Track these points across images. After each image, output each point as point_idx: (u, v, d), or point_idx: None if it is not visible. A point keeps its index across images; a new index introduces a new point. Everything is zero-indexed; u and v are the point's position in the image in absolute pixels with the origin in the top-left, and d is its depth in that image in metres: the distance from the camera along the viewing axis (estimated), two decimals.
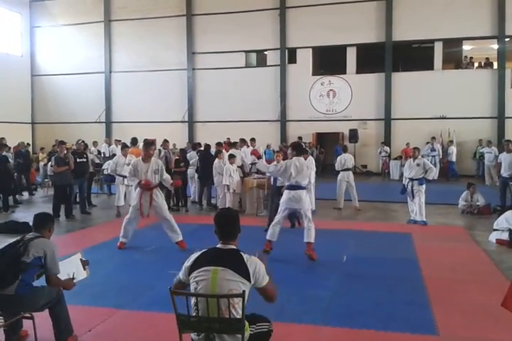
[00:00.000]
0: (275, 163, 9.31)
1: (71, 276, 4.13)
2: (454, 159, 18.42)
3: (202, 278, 2.98)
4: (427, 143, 18.56)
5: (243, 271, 2.98)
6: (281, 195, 8.86)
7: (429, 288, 5.61)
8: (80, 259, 4.40)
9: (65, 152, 10.73)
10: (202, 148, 13.07)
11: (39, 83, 25.66)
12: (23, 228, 8.52)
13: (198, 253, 3.16)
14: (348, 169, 11.72)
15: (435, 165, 17.66)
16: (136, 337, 4.37)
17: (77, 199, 11.60)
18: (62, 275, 4.04)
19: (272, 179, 9.31)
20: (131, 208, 7.80)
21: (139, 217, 7.73)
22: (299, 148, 7.17)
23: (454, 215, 10.75)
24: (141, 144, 14.05)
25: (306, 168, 6.92)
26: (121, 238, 7.75)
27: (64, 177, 10.45)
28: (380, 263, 6.75)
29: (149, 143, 8.20)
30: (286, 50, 21.92)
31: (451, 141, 18.73)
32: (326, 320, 4.66)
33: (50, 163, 12.81)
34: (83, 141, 12.89)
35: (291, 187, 6.88)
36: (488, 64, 20.44)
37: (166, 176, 7.88)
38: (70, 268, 4.22)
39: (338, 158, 11.93)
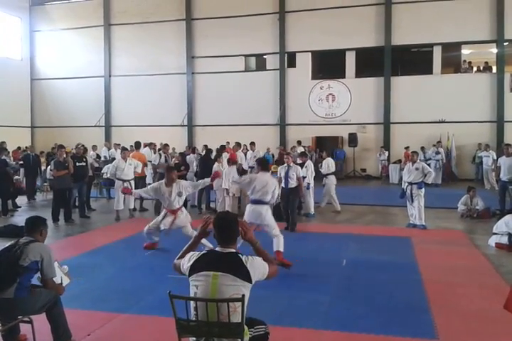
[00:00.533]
0: (286, 164, 9.51)
1: (59, 281, 4.15)
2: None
3: (201, 283, 2.97)
4: (422, 147, 18.44)
5: (244, 274, 2.97)
6: (291, 196, 9.29)
7: (429, 291, 5.61)
8: (57, 266, 4.36)
9: (65, 156, 10.72)
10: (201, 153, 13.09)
11: (39, 87, 25.68)
12: (22, 232, 8.50)
13: (198, 254, 3.14)
14: (333, 172, 11.83)
15: (439, 169, 17.68)
16: None
17: (76, 204, 11.59)
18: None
19: (283, 181, 9.44)
20: (154, 221, 7.88)
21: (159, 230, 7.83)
22: (263, 164, 7.15)
23: (453, 219, 10.74)
24: (144, 149, 14.11)
25: (271, 184, 6.86)
26: (148, 240, 7.90)
27: (63, 181, 10.43)
28: (380, 267, 6.74)
29: (171, 168, 8.19)
30: (286, 54, 21.95)
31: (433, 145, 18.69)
32: (326, 324, 4.66)
33: (49, 166, 12.81)
34: (83, 145, 12.91)
35: (254, 202, 6.86)
36: (487, 68, 20.48)
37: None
38: (58, 273, 4.22)
39: (324, 162, 11.96)
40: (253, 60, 23.45)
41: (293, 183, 9.34)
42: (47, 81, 25.43)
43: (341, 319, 4.81)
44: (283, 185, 9.41)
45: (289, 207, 9.48)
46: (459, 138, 19.32)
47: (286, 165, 9.54)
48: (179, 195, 7.66)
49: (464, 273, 6.45)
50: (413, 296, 5.49)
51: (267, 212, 6.80)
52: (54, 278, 4.04)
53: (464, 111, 19.52)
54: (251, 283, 3.00)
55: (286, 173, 9.41)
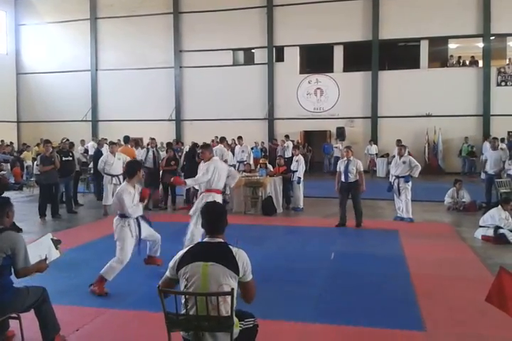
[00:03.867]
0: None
1: (43, 257, 3.94)
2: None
3: (192, 274, 2.99)
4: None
5: (232, 264, 3.00)
6: (353, 190, 9.22)
7: (416, 284, 5.66)
8: (52, 239, 4.23)
9: (51, 151, 10.61)
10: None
11: (24, 81, 25.39)
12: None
13: (185, 249, 3.17)
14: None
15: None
16: (124, 337, 4.35)
17: (64, 199, 11.49)
18: (34, 258, 3.85)
19: (342, 175, 9.29)
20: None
21: None
22: (129, 171, 5.79)
23: (440, 212, 10.84)
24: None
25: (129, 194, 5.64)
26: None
27: (50, 176, 10.34)
28: (368, 260, 6.79)
29: (206, 145, 7.85)
30: (274, 49, 21.92)
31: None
32: (315, 317, 4.69)
33: (35, 162, 12.69)
34: (67, 140, 12.78)
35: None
36: (473, 62, 20.61)
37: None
38: (42, 249, 4.05)
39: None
40: (241, 54, 23.37)
41: (353, 177, 9.19)
42: (33, 75, 25.15)
43: (330, 312, 4.84)
44: (343, 179, 9.26)
45: (346, 201, 9.29)
46: (446, 132, 19.47)
47: (345, 159, 9.35)
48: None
49: (451, 265, 6.52)
50: (401, 288, 5.54)
51: (116, 225, 5.68)
52: (40, 255, 3.90)
53: (450, 105, 19.65)
54: (238, 275, 3.02)
55: (346, 167, 9.22)
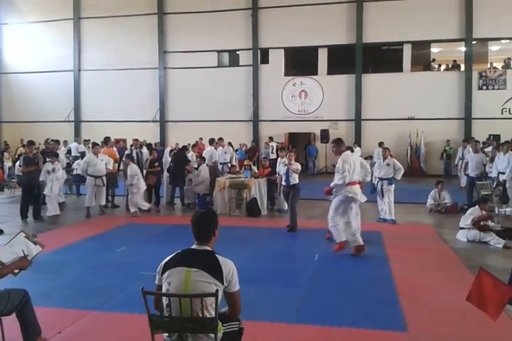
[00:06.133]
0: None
1: (22, 254, 3.80)
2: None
3: (173, 279, 2.95)
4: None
5: (217, 273, 2.94)
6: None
7: (399, 285, 5.71)
8: (25, 237, 4.01)
9: (34, 152, 10.49)
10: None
11: (6, 81, 25.06)
12: None
13: (173, 254, 3.12)
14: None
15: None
16: (107, 339, 4.32)
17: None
18: (9, 258, 3.75)
19: (283, 178, 9.26)
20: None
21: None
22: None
23: (422, 214, 10.96)
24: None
25: None
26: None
27: (33, 177, 10.22)
28: (351, 261, 6.85)
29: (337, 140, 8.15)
30: (259, 51, 21.96)
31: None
32: (299, 318, 4.70)
33: (18, 162, 12.54)
34: (52, 140, 12.68)
35: None
36: (455, 66, 20.91)
37: None
38: (18, 247, 3.88)
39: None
40: (226, 55, 23.37)
41: (292, 181, 9.03)
42: (15, 75, 24.84)
43: (313, 313, 4.86)
44: (284, 182, 9.20)
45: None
46: (428, 134, 19.70)
47: (287, 162, 9.12)
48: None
49: (433, 266, 6.59)
50: (383, 289, 5.59)
51: None
52: (17, 253, 3.77)
53: (432, 109, 19.89)
54: (223, 283, 2.95)
55: (287, 171, 9.06)
